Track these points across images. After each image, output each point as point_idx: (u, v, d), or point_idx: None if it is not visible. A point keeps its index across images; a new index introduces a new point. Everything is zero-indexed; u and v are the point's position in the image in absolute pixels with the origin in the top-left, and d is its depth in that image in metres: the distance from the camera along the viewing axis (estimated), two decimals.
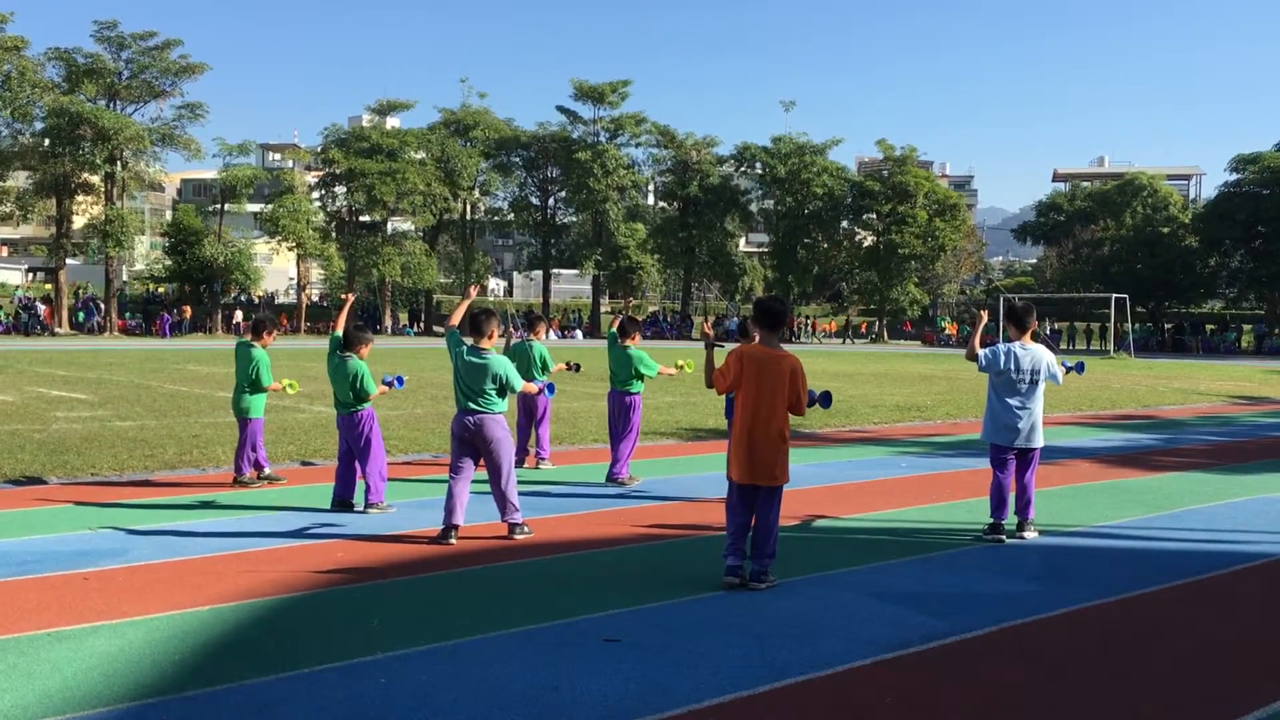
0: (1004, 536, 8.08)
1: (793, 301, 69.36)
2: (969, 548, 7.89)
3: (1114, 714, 4.70)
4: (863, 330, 69.01)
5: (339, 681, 4.85)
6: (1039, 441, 8.18)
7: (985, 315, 8.69)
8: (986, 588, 6.76)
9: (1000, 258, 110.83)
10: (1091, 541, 8.20)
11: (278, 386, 10.31)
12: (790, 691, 4.86)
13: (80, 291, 60.92)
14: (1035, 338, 8.37)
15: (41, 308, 53.94)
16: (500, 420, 7.85)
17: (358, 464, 8.91)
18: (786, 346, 6.85)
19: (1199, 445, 14.57)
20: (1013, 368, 8.04)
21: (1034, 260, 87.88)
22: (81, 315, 54.93)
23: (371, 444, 8.84)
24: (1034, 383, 8.07)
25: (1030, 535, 8.19)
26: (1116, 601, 6.49)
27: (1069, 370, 8.97)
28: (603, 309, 70.00)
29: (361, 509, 8.79)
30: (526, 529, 7.95)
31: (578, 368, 11.91)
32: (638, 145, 67.43)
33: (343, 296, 60.30)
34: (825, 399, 7.40)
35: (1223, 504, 9.85)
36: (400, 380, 9.48)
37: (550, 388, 9.33)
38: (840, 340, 66.09)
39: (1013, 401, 8.07)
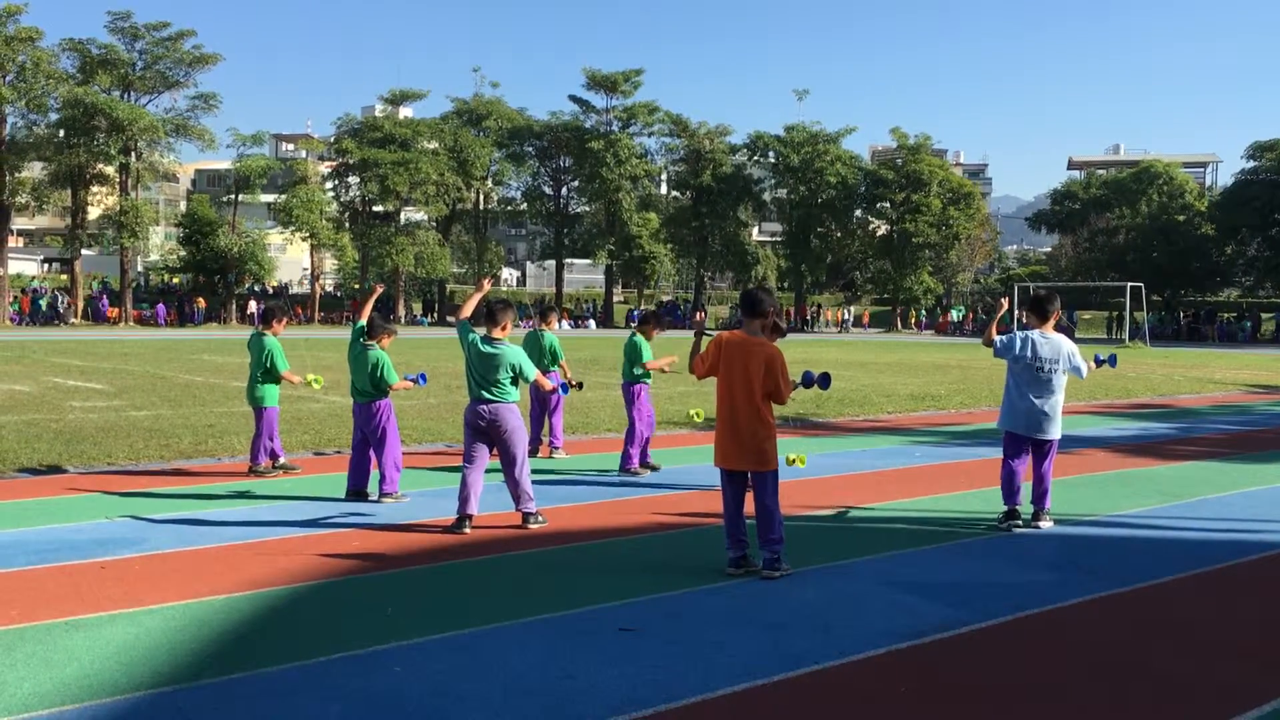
0: (1019, 524, 8.04)
1: (805, 290, 69.21)
2: (984, 537, 7.86)
3: (1131, 703, 4.67)
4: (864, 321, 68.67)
5: (354, 670, 4.86)
6: (1057, 433, 8.10)
7: (1005, 304, 8.62)
8: (1002, 577, 6.74)
9: (1015, 246, 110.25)
10: (1108, 530, 8.16)
11: (298, 379, 10.30)
12: (805, 680, 4.85)
13: (94, 283, 61.21)
14: (1056, 327, 8.26)
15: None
16: (514, 409, 7.85)
17: (373, 453, 8.94)
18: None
19: (1216, 434, 14.48)
20: (1030, 355, 7.96)
21: (1049, 249, 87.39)
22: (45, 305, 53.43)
23: (387, 434, 8.86)
24: (1054, 372, 7.98)
25: (1046, 524, 8.14)
26: (1132, 590, 6.46)
27: (1100, 363, 8.84)
28: (615, 298, 69.94)
29: (376, 498, 8.81)
30: (540, 518, 7.96)
31: (580, 386, 11.80)
32: (650, 134, 67.39)
33: (355, 286, 60.19)
34: (824, 380, 7.37)
35: (1240, 493, 9.80)
36: (423, 377, 9.58)
37: (564, 387, 9.36)
38: (839, 330, 65.79)
39: (1031, 391, 7.99)
